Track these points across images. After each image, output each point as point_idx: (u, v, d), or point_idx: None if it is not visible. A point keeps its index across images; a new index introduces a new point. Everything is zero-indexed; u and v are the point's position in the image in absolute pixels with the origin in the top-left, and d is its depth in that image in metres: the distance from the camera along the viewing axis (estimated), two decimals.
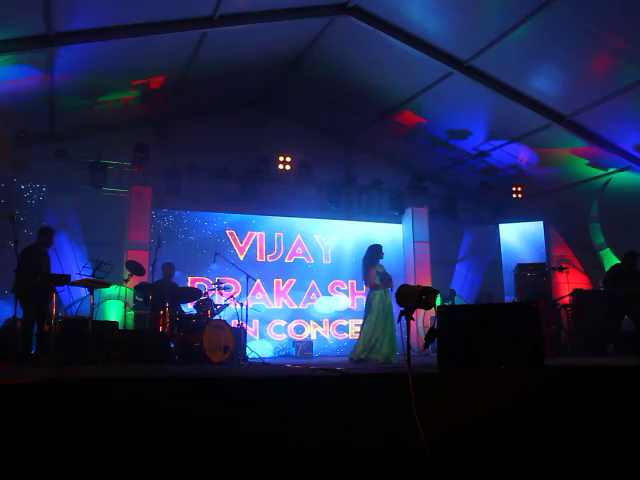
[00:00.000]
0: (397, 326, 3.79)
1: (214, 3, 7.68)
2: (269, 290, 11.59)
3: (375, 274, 7.85)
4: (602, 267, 10.30)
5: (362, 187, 12.48)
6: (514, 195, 12.29)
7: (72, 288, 7.96)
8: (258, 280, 11.08)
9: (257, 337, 11.11)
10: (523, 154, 11.34)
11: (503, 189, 12.63)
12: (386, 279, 7.90)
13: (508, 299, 12.06)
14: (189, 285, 9.99)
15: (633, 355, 7.27)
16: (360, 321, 12.42)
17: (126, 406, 2.59)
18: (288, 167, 11.39)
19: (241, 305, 8.49)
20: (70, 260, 9.11)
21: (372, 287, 7.84)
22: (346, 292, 12.34)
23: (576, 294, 10.01)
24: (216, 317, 8.08)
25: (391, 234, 12.82)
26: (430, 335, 3.80)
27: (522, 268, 11.29)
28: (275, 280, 11.70)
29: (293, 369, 5.33)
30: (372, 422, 2.89)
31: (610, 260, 10.66)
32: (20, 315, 7.13)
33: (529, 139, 10.79)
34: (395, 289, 3.63)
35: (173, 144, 11.03)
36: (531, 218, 12.79)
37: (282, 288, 11.75)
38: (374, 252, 8.06)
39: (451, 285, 12.79)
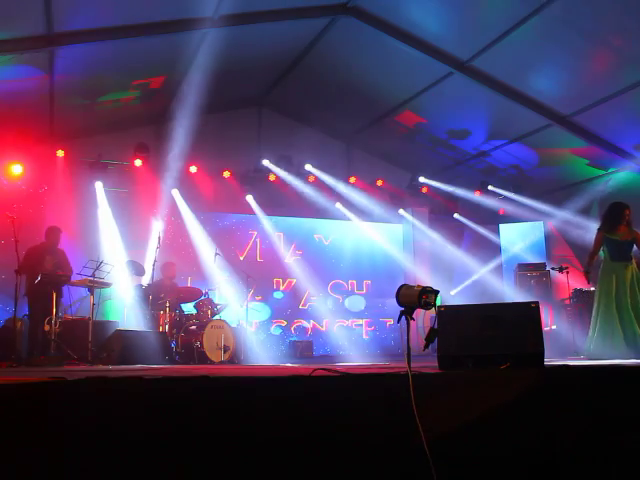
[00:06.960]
0: (397, 326, 3.75)
1: (214, 3, 7.68)
2: (269, 290, 11.59)
3: (600, 241, 5.81)
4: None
5: (362, 187, 12.49)
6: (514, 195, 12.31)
7: (72, 288, 7.97)
8: (258, 280, 11.09)
9: (258, 337, 11.11)
10: None
11: (503, 189, 12.64)
12: (620, 254, 5.62)
13: (508, 299, 12.06)
14: (189, 285, 10.00)
15: None
16: (360, 321, 12.60)
17: (126, 406, 2.59)
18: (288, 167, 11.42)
19: (241, 305, 8.50)
20: (70, 260, 9.12)
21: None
22: (346, 292, 12.34)
23: (576, 294, 10.02)
24: (216, 317, 8.09)
25: (391, 234, 12.83)
26: (430, 335, 3.79)
27: (522, 268, 11.30)
28: (275, 280, 11.71)
29: (293, 369, 5.33)
30: (372, 422, 2.89)
31: None
32: (20, 315, 7.13)
33: (529, 139, 10.80)
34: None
35: (173, 144, 11.02)
36: (531, 218, 12.80)
37: (282, 288, 11.75)
38: (611, 212, 5.91)
39: None
